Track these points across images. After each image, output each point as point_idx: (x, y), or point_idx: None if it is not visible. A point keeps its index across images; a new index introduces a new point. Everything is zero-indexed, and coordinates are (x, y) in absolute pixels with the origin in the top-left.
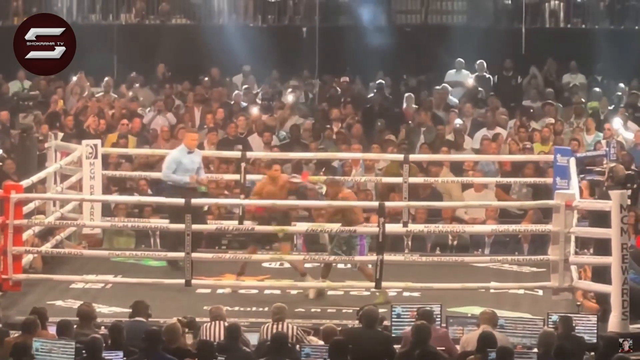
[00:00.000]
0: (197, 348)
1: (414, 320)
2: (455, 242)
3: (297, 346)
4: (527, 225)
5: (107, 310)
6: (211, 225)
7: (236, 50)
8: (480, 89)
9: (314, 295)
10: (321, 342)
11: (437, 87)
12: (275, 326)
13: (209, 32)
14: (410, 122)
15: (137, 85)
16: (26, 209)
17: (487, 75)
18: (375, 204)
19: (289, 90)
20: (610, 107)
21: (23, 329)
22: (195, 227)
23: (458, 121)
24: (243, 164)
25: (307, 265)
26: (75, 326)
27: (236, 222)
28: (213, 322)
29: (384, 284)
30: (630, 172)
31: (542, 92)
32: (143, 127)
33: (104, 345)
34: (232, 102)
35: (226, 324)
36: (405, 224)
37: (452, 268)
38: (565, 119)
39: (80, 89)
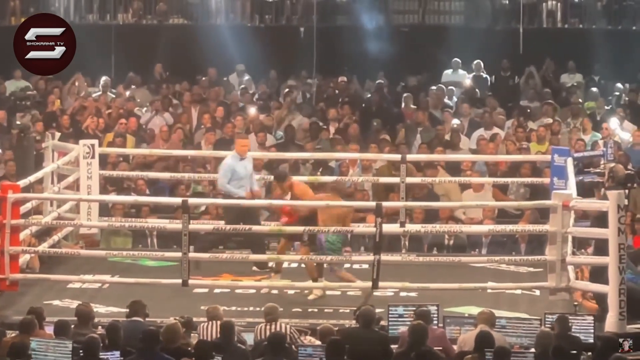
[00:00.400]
0: (195, 348)
1: (411, 320)
2: (451, 242)
3: (294, 346)
4: (525, 225)
5: (104, 310)
6: (208, 225)
7: (233, 50)
8: (477, 89)
9: (314, 297)
10: (317, 342)
11: (433, 87)
12: (268, 326)
13: (207, 32)
14: (408, 121)
15: (134, 86)
16: (23, 208)
17: (485, 75)
18: (373, 204)
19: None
20: (607, 107)
21: (20, 328)
22: (193, 227)
23: (455, 121)
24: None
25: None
26: (72, 326)
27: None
28: (210, 322)
29: (381, 283)
30: (630, 171)
31: (540, 92)
32: (140, 127)
33: (101, 345)
34: (230, 102)
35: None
36: (402, 224)
37: (449, 268)
38: (562, 119)
39: (77, 89)
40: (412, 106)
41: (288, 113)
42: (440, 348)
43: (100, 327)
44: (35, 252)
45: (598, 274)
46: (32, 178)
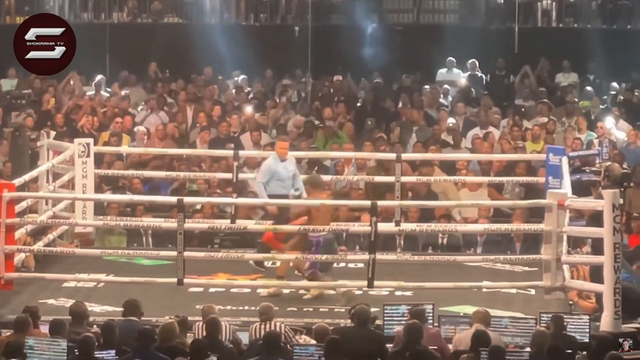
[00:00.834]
0: (190, 347)
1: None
2: (445, 241)
3: (289, 345)
4: (519, 224)
5: (99, 309)
6: (203, 224)
7: (228, 49)
8: (472, 88)
9: (310, 297)
10: (313, 342)
11: (426, 87)
12: (263, 326)
13: (201, 31)
14: (404, 119)
15: (129, 85)
16: (18, 207)
17: (480, 75)
18: (368, 203)
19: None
20: (602, 107)
21: (15, 327)
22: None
23: (451, 120)
24: (235, 163)
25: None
26: (67, 325)
27: (228, 221)
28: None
29: (376, 283)
30: (626, 171)
31: (535, 92)
32: (134, 126)
33: (97, 344)
34: (225, 102)
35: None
36: (397, 223)
37: (444, 267)
38: (557, 118)
39: (72, 88)
40: (407, 105)
41: (283, 112)
42: (435, 347)
43: (95, 326)
44: (30, 251)
45: (599, 274)
46: (28, 177)
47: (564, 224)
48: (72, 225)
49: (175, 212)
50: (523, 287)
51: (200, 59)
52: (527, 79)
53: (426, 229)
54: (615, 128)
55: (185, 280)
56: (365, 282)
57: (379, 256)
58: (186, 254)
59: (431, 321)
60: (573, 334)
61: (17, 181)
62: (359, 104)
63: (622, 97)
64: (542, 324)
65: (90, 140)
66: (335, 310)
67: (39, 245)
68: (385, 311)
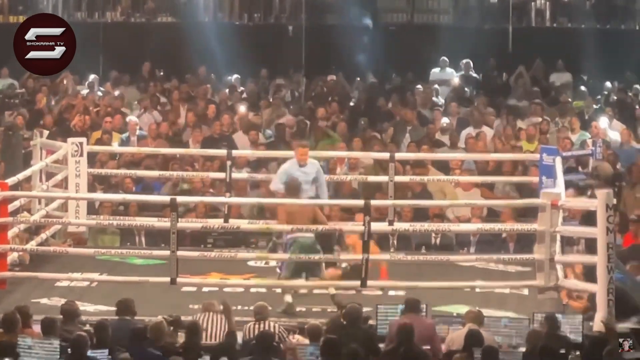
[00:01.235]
0: (183, 347)
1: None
2: (438, 241)
3: (282, 345)
4: (513, 224)
5: (92, 309)
6: (197, 224)
7: (222, 48)
8: (465, 88)
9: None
10: (306, 341)
11: (419, 87)
12: (257, 325)
13: (195, 30)
14: (398, 118)
15: (121, 84)
16: (11, 207)
17: (473, 74)
18: (361, 202)
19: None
20: (596, 106)
21: (3, 326)
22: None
23: (445, 120)
24: (229, 162)
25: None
26: (59, 323)
27: (221, 220)
28: (203, 314)
29: (369, 282)
30: (618, 170)
31: (529, 91)
32: (125, 124)
33: (90, 343)
34: (219, 101)
35: (217, 316)
36: (391, 223)
37: (437, 267)
38: (551, 118)
39: (65, 87)
40: (398, 105)
41: (274, 111)
42: (428, 347)
43: (88, 325)
44: (22, 250)
45: (593, 274)
46: (21, 176)
47: (558, 224)
48: (65, 225)
49: (167, 211)
50: (516, 286)
51: (194, 58)
52: (522, 78)
53: (419, 229)
54: (609, 128)
55: (179, 280)
56: (358, 282)
57: (372, 256)
58: (179, 253)
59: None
60: (566, 334)
61: (10, 180)
62: (352, 104)
63: (615, 97)
64: (535, 324)
65: (84, 140)
66: (329, 310)
67: (31, 245)
68: (379, 311)
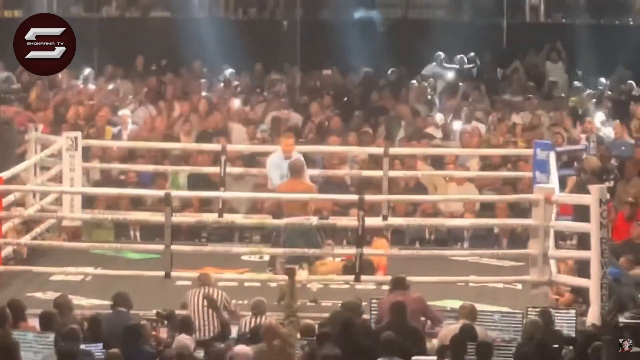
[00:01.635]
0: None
1: None
2: (432, 236)
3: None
4: (507, 219)
5: (86, 303)
6: (191, 218)
7: (217, 43)
8: (460, 83)
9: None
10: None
11: (414, 81)
12: (254, 319)
13: (190, 25)
14: (392, 113)
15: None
16: (5, 201)
17: (467, 69)
18: (355, 197)
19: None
20: (590, 101)
21: None
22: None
23: (438, 115)
24: (223, 157)
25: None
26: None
27: (216, 215)
28: (199, 289)
29: (363, 277)
30: (606, 164)
31: (524, 86)
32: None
33: (82, 337)
34: (213, 96)
35: (213, 290)
36: (385, 218)
37: (431, 262)
38: (545, 112)
39: (60, 82)
40: (392, 99)
41: (269, 105)
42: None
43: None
44: (16, 245)
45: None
46: (15, 170)
47: (551, 219)
48: (60, 219)
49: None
50: (510, 281)
51: (189, 53)
52: (517, 73)
53: (413, 224)
54: (603, 123)
55: (173, 274)
56: (352, 277)
57: (366, 250)
58: (174, 247)
59: None
60: (560, 329)
61: (5, 174)
62: (346, 99)
63: (609, 92)
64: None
65: (78, 134)
66: (323, 304)
67: (26, 239)
68: (373, 305)
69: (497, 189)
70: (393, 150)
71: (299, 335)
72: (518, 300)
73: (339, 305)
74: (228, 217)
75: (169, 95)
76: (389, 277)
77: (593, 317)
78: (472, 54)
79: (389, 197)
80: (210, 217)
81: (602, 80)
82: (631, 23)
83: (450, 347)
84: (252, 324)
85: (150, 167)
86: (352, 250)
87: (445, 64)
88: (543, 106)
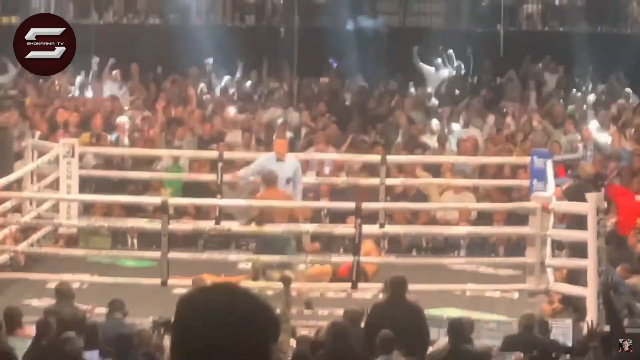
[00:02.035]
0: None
1: None
2: (429, 244)
3: None
4: (504, 227)
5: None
6: (188, 226)
7: (214, 50)
8: (457, 90)
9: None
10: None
11: (413, 89)
12: None
13: (187, 32)
14: (390, 120)
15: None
16: (2, 207)
17: (465, 77)
18: (352, 204)
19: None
20: (588, 110)
21: None
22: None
23: (435, 122)
24: (220, 164)
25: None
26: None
27: (212, 222)
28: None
29: (360, 285)
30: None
31: (520, 94)
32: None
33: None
34: (211, 102)
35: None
36: (382, 225)
37: (428, 270)
38: (542, 119)
39: (57, 87)
40: (392, 107)
41: (267, 112)
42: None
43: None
44: (13, 252)
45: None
46: (12, 177)
47: (548, 227)
48: (57, 226)
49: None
50: (506, 290)
51: (186, 60)
52: (512, 82)
53: (410, 232)
54: (600, 131)
55: (170, 282)
56: (349, 284)
57: (363, 258)
58: (170, 255)
59: None
60: (557, 338)
61: (1, 181)
62: (343, 106)
63: (605, 100)
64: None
65: (75, 141)
66: (319, 312)
67: (23, 246)
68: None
69: (494, 197)
70: (390, 159)
71: (294, 343)
72: (515, 309)
73: (339, 312)
74: (225, 225)
75: (165, 102)
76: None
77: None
78: (450, 50)
79: (386, 205)
80: (207, 225)
81: (599, 87)
82: (628, 32)
83: None
84: None
85: (146, 174)
86: (348, 258)
87: (443, 71)
88: (541, 114)
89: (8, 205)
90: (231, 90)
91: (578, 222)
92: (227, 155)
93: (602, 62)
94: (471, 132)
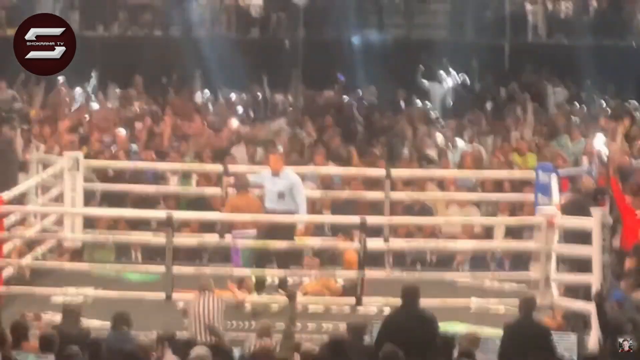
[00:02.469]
0: None
1: None
2: (433, 258)
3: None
4: (509, 242)
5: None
6: (192, 240)
7: (218, 63)
8: (461, 103)
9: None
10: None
11: (419, 102)
12: (259, 341)
13: (191, 44)
14: (396, 131)
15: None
16: (7, 221)
17: (469, 89)
18: (357, 219)
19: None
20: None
21: None
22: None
23: (439, 136)
24: (225, 178)
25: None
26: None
27: (217, 235)
28: (202, 296)
29: (365, 299)
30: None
31: (525, 108)
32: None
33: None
34: (215, 115)
35: (213, 296)
36: (386, 239)
37: (432, 284)
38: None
39: (61, 99)
40: (398, 120)
41: (271, 126)
42: None
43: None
44: (17, 265)
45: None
46: (17, 190)
47: (553, 242)
48: (61, 240)
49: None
50: (511, 304)
51: (190, 73)
52: (516, 94)
53: (415, 246)
54: (605, 145)
55: (174, 296)
56: (353, 300)
57: (368, 272)
58: (175, 269)
59: None
60: (562, 353)
61: (6, 194)
62: (350, 119)
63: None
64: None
65: (80, 154)
66: (323, 325)
67: (27, 259)
68: (374, 328)
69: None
70: (395, 172)
71: (298, 358)
72: None
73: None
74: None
75: (168, 115)
76: (391, 299)
77: (594, 341)
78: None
79: (390, 219)
80: (211, 238)
81: (604, 101)
82: (634, 45)
83: None
84: (257, 346)
85: (151, 188)
86: (353, 273)
87: (447, 84)
88: (546, 127)
89: (12, 218)
90: (236, 103)
91: (573, 235)
92: (232, 168)
93: (607, 75)
94: (475, 145)
